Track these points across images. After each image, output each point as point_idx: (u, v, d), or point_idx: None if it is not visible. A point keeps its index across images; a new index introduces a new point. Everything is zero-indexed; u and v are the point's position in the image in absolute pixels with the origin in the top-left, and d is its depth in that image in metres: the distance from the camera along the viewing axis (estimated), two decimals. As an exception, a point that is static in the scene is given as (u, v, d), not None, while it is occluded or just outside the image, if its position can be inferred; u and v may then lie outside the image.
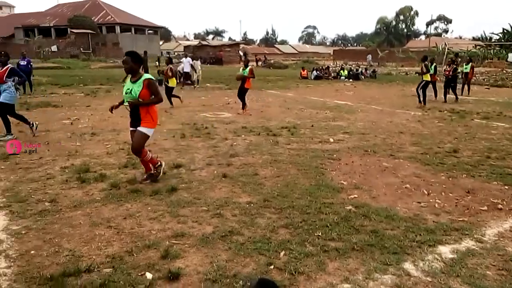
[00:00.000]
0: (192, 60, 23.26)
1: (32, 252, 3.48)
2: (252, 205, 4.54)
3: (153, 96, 5.16)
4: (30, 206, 4.48)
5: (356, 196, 4.89)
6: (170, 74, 13.03)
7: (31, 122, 8.18)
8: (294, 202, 4.62)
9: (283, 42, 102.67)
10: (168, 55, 38.95)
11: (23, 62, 16.31)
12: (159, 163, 5.45)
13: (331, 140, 8.00)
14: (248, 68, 11.49)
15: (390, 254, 3.44)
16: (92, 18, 56.01)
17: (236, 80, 12.44)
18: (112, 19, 57.93)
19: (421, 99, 13.46)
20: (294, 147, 7.32)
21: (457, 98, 15.06)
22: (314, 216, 4.23)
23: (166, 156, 6.64)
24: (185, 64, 20.10)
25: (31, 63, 17.37)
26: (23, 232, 3.86)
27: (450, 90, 15.16)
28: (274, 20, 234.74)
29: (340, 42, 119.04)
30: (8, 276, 3.11)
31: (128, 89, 5.19)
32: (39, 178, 5.45)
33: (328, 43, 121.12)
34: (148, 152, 5.33)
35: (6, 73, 7.88)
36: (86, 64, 37.09)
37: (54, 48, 47.79)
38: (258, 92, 17.68)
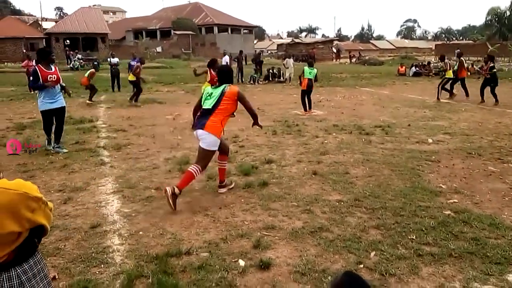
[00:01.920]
0: (285, 58, 23.54)
1: (141, 233, 3.89)
2: (342, 203, 4.52)
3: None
4: (138, 192, 5.00)
5: (456, 201, 4.58)
6: None
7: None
8: (387, 203, 4.49)
9: (380, 38, 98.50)
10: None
11: (133, 62, 18.02)
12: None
13: (430, 140, 7.55)
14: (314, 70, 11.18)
15: (493, 264, 3.18)
16: (193, 20, 59.49)
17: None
18: (211, 20, 60.90)
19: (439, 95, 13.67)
20: (388, 147, 7.06)
21: (496, 100, 12.40)
22: (408, 219, 4.07)
23: (258, 152, 6.89)
24: (223, 62, 19.21)
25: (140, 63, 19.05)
26: (133, 214, 4.33)
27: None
28: (370, 15, 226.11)
29: (443, 36, 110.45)
30: (121, 252, 3.53)
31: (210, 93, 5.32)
32: (146, 168, 6.04)
33: (429, 38, 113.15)
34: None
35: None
36: (186, 63, 39.59)
37: (159, 49, 51.77)
38: (351, 90, 17.28)
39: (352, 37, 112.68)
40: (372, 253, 3.39)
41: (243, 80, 21.90)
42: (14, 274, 1.48)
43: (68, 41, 50.65)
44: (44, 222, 1.52)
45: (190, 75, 23.66)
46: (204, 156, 4.78)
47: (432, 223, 3.94)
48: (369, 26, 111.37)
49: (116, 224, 4.08)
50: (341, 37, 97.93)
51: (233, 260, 3.32)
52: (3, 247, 1.44)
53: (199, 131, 4.73)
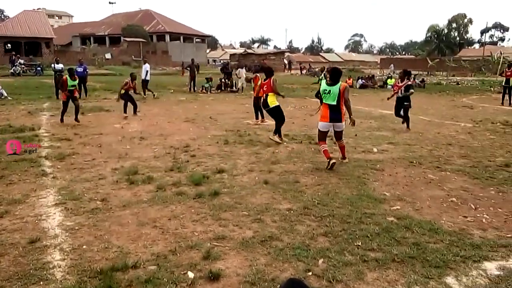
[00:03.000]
0: (237, 68, 23.73)
1: (84, 247, 3.72)
2: (292, 212, 4.58)
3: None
4: (83, 204, 4.78)
5: (398, 207, 4.80)
6: None
7: None
8: (335, 211, 4.61)
9: (329, 51, 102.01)
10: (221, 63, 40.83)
11: (80, 69, 17.35)
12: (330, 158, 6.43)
13: (375, 150, 7.88)
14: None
15: (432, 268, 3.36)
16: (144, 27, 58.43)
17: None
18: (163, 28, 60.17)
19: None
20: (336, 156, 7.27)
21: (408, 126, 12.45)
22: (355, 225, 4.21)
23: (209, 161, 6.85)
24: (143, 71, 18.69)
25: (87, 70, 18.41)
26: (76, 228, 4.13)
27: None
28: (320, 28, 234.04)
29: (388, 50, 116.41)
30: (62, 268, 3.35)
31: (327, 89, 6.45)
32: (91, 178, 5.80)
33: (375, 52, 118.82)
34: (322, 145, 6.60)
35: None
36: (136, 71, 38.70)
37: (108, 55, 50.29)
38: (302, 100, 17.68)
39: (303, 49, 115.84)
40: (320, 261, 3.46)
41: (195, 89, 21.74)
42: None
43: (9, 45, 47.89)
44: None
45: (138, 83, 23.12)
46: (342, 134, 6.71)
47: (376, 230, 4.10)
48: (319, 39, 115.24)
49: (57, 238, 3.87)
50: (292, 49, 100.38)
51: (182, 273, 3.25)
52: None
53: (338, 124, 6.54)
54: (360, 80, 27.17)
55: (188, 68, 21.99)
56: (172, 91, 21.42)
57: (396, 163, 6.89)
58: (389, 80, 27.23)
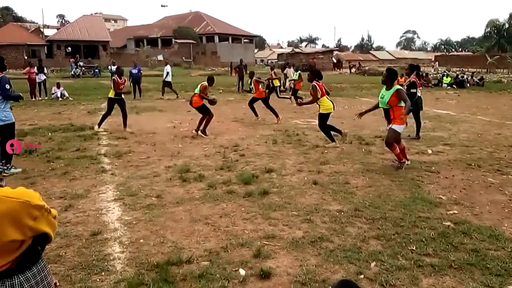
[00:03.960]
0: (285, 68, 23.70)
1: (141, 240, 3.90)
2: (342, 213, 4.53)
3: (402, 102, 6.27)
4: (139, 200, 5.01)
5: (455, 212, 4.60)
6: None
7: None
8: (387, 213, 4.50)
9: (379, 48, 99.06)
10: (272, 63, 41.21)
11: (134, 70, 18.15)
12: (404, 160, 6.36)
13: (430, 151, 7.58)
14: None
15: (493, 276, 3.19)
16: (194, 29, 59.90)
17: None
18: (212, 29, 61.33)
19: None
20: (388, 157, 7.09)
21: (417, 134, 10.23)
22: (408, 229, 4.08)
23: (258, 161, 6.91)
24: (164, 73, 18.60)
25: (141, 71, 19.18)
26: (134, 222, 4.34)
27: None
28: (370, 25, 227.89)
29: (443, 47, 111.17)
30: (121, 260, 3.53)
31: (383, 95, 6.53)
32: (147, 175, 6.05)
33: (429, 49, 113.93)
34: (397, 148, 6.28)
35: None
36: (187, 72, 39.78)
37: (160, 57, 52.02)
38: (351, 100, 17.35)
39: (352, 48, 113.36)
40: (373, 264, 3.40)
41: (244, 89, 21.96)
42: (17, 282, 1.49)
43: (69, 48, 50.90)
44: (47, 230, 1.52)
45: (192, 83, 23.71)
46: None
47: (432, 234, 3.95)
48: (369, 37, 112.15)
49: (117, 232, 4.09)
50: (341, 48, 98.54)
51: (234, 269, 3.32)
52: (5, 255, 1.45)
53: None
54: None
55: (237, 69, 22.31)
56: (221, 91, 21.79)
57: (453, 166, 6.59)
58: (444, 78, 26.04)
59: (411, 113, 8.76)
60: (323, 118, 8.02)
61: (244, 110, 13.98)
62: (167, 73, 18.38)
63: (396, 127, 6.28)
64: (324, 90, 8.10)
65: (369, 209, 4.65)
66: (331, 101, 8.20)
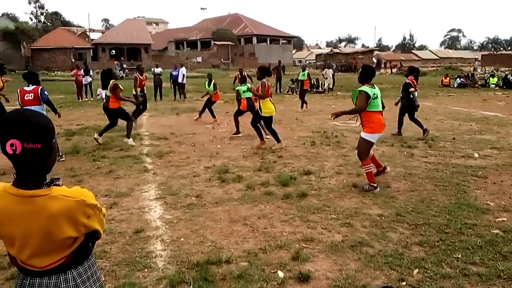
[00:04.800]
0: (324, 69, 23.45)
1: (182, 239, 3.99)
2: (383, 218, 4.43)
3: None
4: (180, 199, 5.13)
5: (505, 219, 4.38)
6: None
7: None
8: (430, 219, 4.36)
9: (422, 48, 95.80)
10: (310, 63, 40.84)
11: (175, 72, 18.61)
12: (376, 184, 5.34)
13: (476, 155, 7.26)
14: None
15: (547, 289, 3.02)
16: (233, 31, 60.52)
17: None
18: (250, 31, 61.73)
19: None
20: (431, 161, 6.86)
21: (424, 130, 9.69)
22: (453, 236, 3.93)
23: (296, 162, 6.88)
24: (179, 74, 18.38)
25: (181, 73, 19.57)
26: (175, 221, 4.45)
27: None
28: (412, 24, 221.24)
29: (490, 46, 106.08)
30: (163, 258, 3.63)
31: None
32: (187, 175, 6.18)
33: (475, 47, 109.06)
34: (370, 164, 5.40)
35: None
36: (225, 73, 40.23)
37: (199, 59, 53.02)
38: (393, 101, 16.90)
39: (393, 47, 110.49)
40: (415, 271, 3.30)
41: (281, 90, 21.98)
42: (70, 276, 1.57)
43: (113, 51, 52.85)
44: (98, 227, 1.61)
45: (230, 84, 23.99)
46: None
47: (479, 242, 3.79)
48: (411, 36, 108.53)
49: (158, 230, 4.21)
50: (381, 47, 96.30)
51: (272, 271, 3.33)
52: (61, 251, 1.53)
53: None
54: (458, 78, 25.15)
55: (275, 70, 22.32)
56: (259, 92, 21.89)
57: (502, 170, 6.28)
58: (491, 79, 24.84)
59: (407, 114, 9.25)
60: (267, 121, 7.91)
61: (282, 111, 13.96)
62: (183, 75, 18.50)
63: (364, 135, 5.35)
64: (269, 92, 7.93)
65: (412, 214, 4.51)
66: (273, 104, 7.99)
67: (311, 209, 4.72)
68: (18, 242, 1.49)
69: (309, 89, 17.24)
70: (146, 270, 3.40)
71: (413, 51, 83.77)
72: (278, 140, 7.94)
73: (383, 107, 5.57)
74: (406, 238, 3.92)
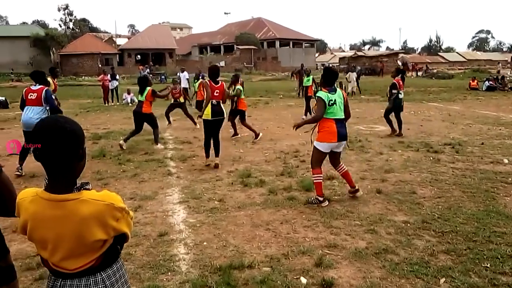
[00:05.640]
0: (347, 72, 23.23)
1: (205, 243, 4.02)
2: (408, 225, 4.34)
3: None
4: (203, 203, 5.17)
5: (537, 228, 4.22)
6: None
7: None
8: (458, 227, 4.24)
9: (449, 50, 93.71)
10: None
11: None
12: (322, 198, 5.01)
13: (506, 161, 7.03)
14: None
15: None
16: (256, 35, 60.80)
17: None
18: (273, 34, 61.86)
19: None
20: (459, 167, 6.68)
21: (399, 129, 9.99)
22: (482, 245, 3.82)
23: (320, 167, 6.82)
24: (182, 79, 18.23)
25: (205, 78, 19.79)
26: (198, 225, 4.49)
27: None
28: (439, 26, 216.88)
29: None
30: (186, 261, 3.67)
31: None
32: (210, 179, 6.23)
33: (505, 49, 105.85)
34: (319, 175, 5.04)
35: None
36: (248, 77, 40.41)
37: (222, 63, 53.42)
38: (418, 104, 16.60)
39: (419, 50, 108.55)
40: (442, 280, 3.22)
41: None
42: (100, 278, 1.61)
43: (139, 56, 53.91)
44: (126, 230, 1.65)
45: (252, 88, 24.11)
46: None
47: (509, 251, 3.66)
48: (438, 38, 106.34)
49: (182, 234, 4.25)
50: (406, 50, 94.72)
51: (295, 277, 3.31)
52: (91, 253, 1.58)
53: (344, 142, 5.14)
54: (487, 81, 24.46)
55: (298, 73, 22.30)
56: (281, 96, 21.89)
57: (533, 177, 6.06)
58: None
59: (393, 113, 9.65)
60: (204, 126, 7.12)
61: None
62: (186, 79, 18.45)
63: (316, 143, 5.05)
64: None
65: (438, 221, 4.41)
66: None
67: (334, 214, 4.68)
68: (50, 245, 1.54)
69: (313, 96, 16.43)
70: (169, 273, 3.44)
71: (439, 53, 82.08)
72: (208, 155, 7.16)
73: (349, 115, 5.24)
74: (432, 246, 3.83)
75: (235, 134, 9.92)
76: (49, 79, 9.55)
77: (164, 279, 3.35)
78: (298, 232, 4.25)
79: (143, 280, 3.32)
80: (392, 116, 9.75)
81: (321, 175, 5.10)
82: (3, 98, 18.49)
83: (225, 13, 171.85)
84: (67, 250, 1.53)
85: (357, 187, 5.27)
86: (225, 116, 7.09)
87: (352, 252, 3.73)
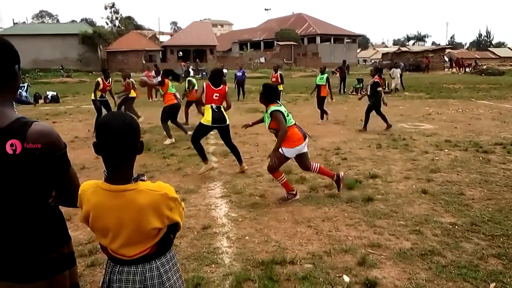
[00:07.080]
0: (391, 68, 22.63)
1: (247, 237, 4.08)
2: (456, 227, 4.20)
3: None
4: (244, 198, 5.24)
5: None
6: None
7: None
8: (510, 230, 4.06)
9: (500, 45, 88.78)
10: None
11: (239, 73, 18.99)
12: (294, 191, 5.19)
13: None
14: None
15: None
16: (296, 31, 60.35)
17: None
18: (314, 30, 61.14)
19: None
20: (511, 168, 6.36)
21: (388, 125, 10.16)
22: (536, 250, 3.63)
23: (361, 165, 6.73)
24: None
25: (245, 74, 19.97)
26: (240, 219, 4.56)
27: None
28: (489, 20, 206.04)
29: None
30: (229, 255, 3.74)
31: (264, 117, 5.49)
32: (251, 175, 6.30)
33: None
34: (282, 175, 5.18)
35: None
36: (288, 73, 40.25)
37: (262, 59, 53.53)
38: (466, 102, 15.91)
39: (467, 45, 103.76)
40: (492, 285, 3.10)
41: (345, 90, 21.56)
42: (154, 266, 1.70)
43: (181, 53, 55.03)
44: (178, 219, 1.73)
45: (292, 84, 24.02)
46: None
47: None
48: (488, 32, 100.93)
49: (224, 227, 4.34)
50: (454, 45, 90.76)
51: (338, 275, 3.30)
52: (147, 241, 1.66)
53: (306, 141, 5.32)
54: (542, 78, 22.99)
55: (339, 69, 21.97)
56: (322, 92, 21.63)
57: None
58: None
59: (374, 111, 9.92)
60: (198, 128, 6.48)
61: (346, 112, 13.73)
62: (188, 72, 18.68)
63: (285, 150, 5.06)
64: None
65: (488, 224, 4.23)
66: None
67: (377, 214, 4.60)
68: (111, 233, 1.64)
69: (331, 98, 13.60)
70: (213, 265, 3.53)
71: (489, 48, 77.99)
72: (204, 158, 6.58)
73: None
74: (482, 249, 3.68)
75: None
76: (99, 79, 10.09)
77: (208, 271, 3.43)
78: (340, 230, 4.22)
79: (188, 271, 3.42)
80: (372, 114, 10.02)
81: (283, 174, 5.23)
82: (55, 93, 19.51)
83: (265, 9, 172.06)
84: (126, 237, 1.62)
85: (337, 173, 5.37)
86: (227, 123, 6.49)
87: (396, 253, 3.66)
